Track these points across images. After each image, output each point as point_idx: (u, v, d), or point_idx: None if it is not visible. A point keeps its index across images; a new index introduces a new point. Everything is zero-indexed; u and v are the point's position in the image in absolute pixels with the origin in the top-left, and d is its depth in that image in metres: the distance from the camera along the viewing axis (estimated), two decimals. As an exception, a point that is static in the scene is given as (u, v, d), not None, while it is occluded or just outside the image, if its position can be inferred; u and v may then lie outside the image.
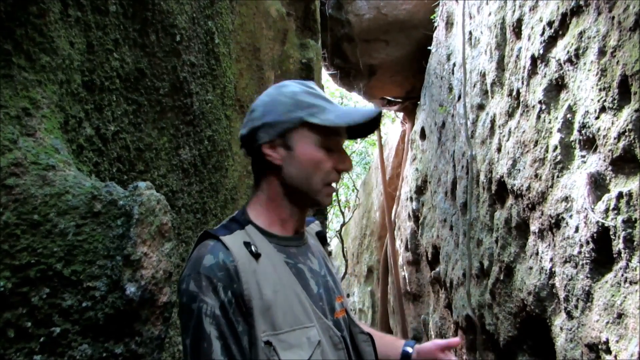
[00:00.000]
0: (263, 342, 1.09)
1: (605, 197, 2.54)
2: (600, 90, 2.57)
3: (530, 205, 3.46)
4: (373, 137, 11.73)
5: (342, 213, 12.14)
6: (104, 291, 1.10)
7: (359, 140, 14.11)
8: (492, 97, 4.33)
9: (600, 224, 2.56)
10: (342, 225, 12.15)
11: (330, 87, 10.87)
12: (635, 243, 2.32)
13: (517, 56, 3.68)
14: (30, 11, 1.18)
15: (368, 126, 1.32)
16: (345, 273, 11.43)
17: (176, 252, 2.16)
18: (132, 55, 1.82)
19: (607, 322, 2.51)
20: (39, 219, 1.09)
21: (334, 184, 1.26)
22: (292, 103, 1.23)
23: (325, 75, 8.41)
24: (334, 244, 14.15)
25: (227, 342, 1.08)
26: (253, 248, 1.17)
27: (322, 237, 1.47)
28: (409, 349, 1.52)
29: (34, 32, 1.19)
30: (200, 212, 2.45)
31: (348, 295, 12.50)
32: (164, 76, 2.07)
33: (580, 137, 2.78)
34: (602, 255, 2.62)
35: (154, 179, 2.03)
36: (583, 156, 2.78)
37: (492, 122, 4.30)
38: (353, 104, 13.06)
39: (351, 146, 13.83)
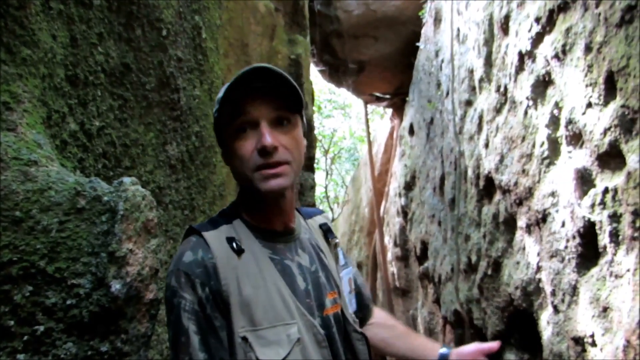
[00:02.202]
0: (240, 337, 1.09)
1: (592, 192, 2.56)
2: (586, 86, 2.58)
3: (517, 201, 3.48)
4: (362, 133, 11.74)
5: (331, 209, 12.14)
6: (89, 288, 1.08)
7: (348, 136, 14.13)
8: (480, 93, 4.35)
9: (586, 218, 2.58)
10: (331, 221, 12.15)
11: (319, 83, 10.86)
12: (620, 237, 2.34)
13: (505, 52, 3.69)
14: (10, 3, 1.15)
15: (279, 84, 1.18)
16: (335, 269, 11.42)
17: (163, 248, 2.14)
18: (117, 50, 1.79)
19: (593, 316, 2.53)
20: (21, 215, 1.07)
21: (265, 168, 1.15)
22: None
23: (314, 71, 8.39)
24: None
25: (206, 336, 1.08)
26: (235, 245, 1.16)
27: (325, 229, 1.45)
28: (446, 350, 1.49)
29: (14, 24, 1.17)
30: (188, 208, 2.43)
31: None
32: (150, 71, 2.05)
33: (567, 133, 2.80)
34: (588, 249, 2.64)
35: (140, 175, 2.01)
36: (569, 152, 2.80)
37: (480, 118, 4.32)
38: (342, 100, 13.07)
39: (340, 142, 13.84)
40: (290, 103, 1.21)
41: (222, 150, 1.27)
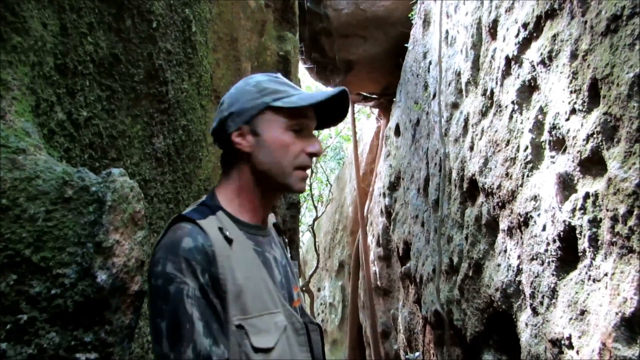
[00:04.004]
0: (235, 325, 1.11)
1: (573, 197, 2.61)
2: (571, 92, 2.62)
3: (500, 204, 3.52)
4: (348, 132, 11.77)
5: (315, 207, 12.15)
6: (74, 278, 1.08)
7: (333, 135, 14.14)
8: (467, 96, 4.39)
9: (567, 223, 2.63)
10: (314, 220, 12.17)
11: (306, 81, 10.86)
12: (599, 242, 2.39)
13: (492, 56, 3.73)
14: (2, -10, 1.14)
15: (337, 111, 1.34)
16: (317, 267, 11.46)
17: (147, 241, 2.14)
18: (107, 40, 1.78)
19: (571, 319, 2.58)
20: (7, 203, 1.06)
21: (306, 170, 1.26)
22: (257, 91, 1.26)
23: (301, 68, 8.38)
24: (306, 238, 14.17)
25: (209, 322, 1.08)
26: (227, 233, 1.18)
27: (277, 228, 1.50)
28: None
29: (6, 10, 1.16)
30: (173, 202, 2.42)
31: (319, 290, 12.54)
32: (139, 63, 2.04)
33: (551, 138, 2.85)
34: (567, 253, 2.69)
35: (126, 167, 2.00)
36: (552, 157, 2.85)
37: (466, 120, 4.36)
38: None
39: (326, 141, 13.84)
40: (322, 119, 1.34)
41: (246, 134, 1.26)
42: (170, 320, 1.07)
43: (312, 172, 12.49)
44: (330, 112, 1.33)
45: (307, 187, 12.18)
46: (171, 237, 1.14)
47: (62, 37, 1.46)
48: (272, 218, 1.47)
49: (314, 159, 1.31)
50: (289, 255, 1.48)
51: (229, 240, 1.17)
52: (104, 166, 1.78)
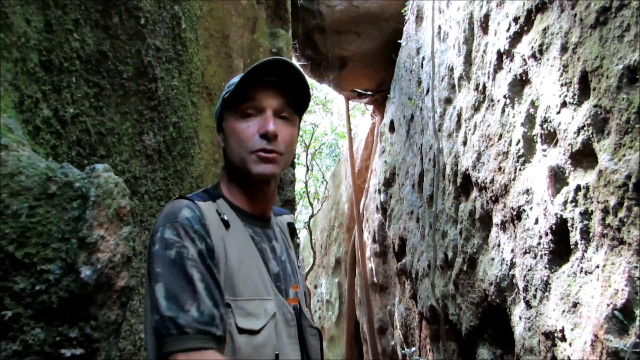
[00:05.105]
0: (224, 303, 1.12)
1: (564, 189, 2.61)
2: (561, 85, 2.63)
3: (493, 198, 3.53)
4: (343, 129, 11.77)
5: (311, 204, 12.15)
6: (59, 274, 1.07)
7: (329, 132, 14.12)
8: (460, 91, 4.39)
9: (558, 216, 2.63)
10: (310, 217, 12.17)
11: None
12: (591, 235, 2.39)
13: (484, 51, 3.73)
14: (-17, -15, 1.13)
15: (298, 87, 1.29)
16: (314, 264, 11.46)
17: (138, 238, 2.13)
18: (94, 37, 1.77)
19: (563, 311, 2.59)
20: (-10, 200, 1.06)
21: (263, 152, 1.21)
22: (224, 90, 1.30)
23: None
24: (302, 235, 14.16)
25: (209, 285, 1.09)
26: (225, 217, 1.20)
27: (292, 229, 1.51)
28: None
29: (-13, 7, 1.15)
30: (164, 199, 2.41)
31: (316, 287, 12.54)
32: (127, 60, 2.03)
33: (542, 132, 2.85)
34: (560, 246, 2.70)
35: (115, 164, 1.99)
36: (544, 150, 2.85)
37: (459, 115, 4.36)
38: (324, 95, 13.06)
39: (321, 138, 13.84)
40: (297, 102, 1.30)
41: (220, 131, 1.31)
42: (171, 282, 1.06)
43: (308, 169, 12.48)
44: (295, 90, 1.29)
45: (303, 185, 12.17)
46: (169, 209, 1.16)
47: (47, 33, 1.45)
48: (288, 218, 1.51)
49: (281, 145, 1.23)
50: (300, 257, 1.49)
51: (226, 223, 1.19)
52: (93, 163, 1.77)
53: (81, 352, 1.09)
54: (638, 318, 2.05)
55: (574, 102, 2.52)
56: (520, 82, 3.18)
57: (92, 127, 1.78)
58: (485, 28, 3.74)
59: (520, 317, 3.16)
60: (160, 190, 2.39)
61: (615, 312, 2.14)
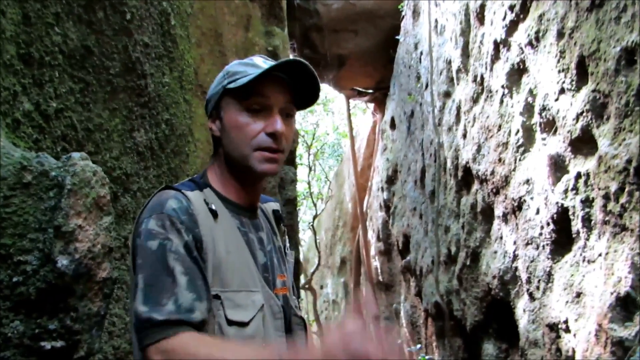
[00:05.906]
0: (213, 294, 1.10)
1: (565, 177, 2.57)
2: (559, 72, 2.58)
3: (494, 190, 3.48)
4: (345, 129, 11.73)
5: (315, 205, 12.11)
6: (36, 265, 1.04)
7: (331, 132, 14.10)
8: (458, 84, 4.35)
9: (559, 204, 2.58)
10: (314, 217, 12.12)
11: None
12: (592, 222, 2.35)
13: (481, 42, 3.69)
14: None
15: (309, 87, 1.29)
16: (319, 265, 11.41)
17: (131, 235, 2.10)
18: (77, 32, 1.74)
19: (567, 302, 2.54)
20: (-36, 192, 1.03)
21: (269, 151, 1.21)
22: (222, 76, 1.26)
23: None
24: (307, 236, 14.13)
25: (193, 278, 1.06)
26: (213, 206, 1.18)
27: (277, 216, 1.48)
28: None
29: (-42, -4, 1.12)
30: (158, 197, 2.38)
31: (322, 287, 12.50)
32: (114, 55, 2.00)
33: (541, 120, 2.80)
34: (561, 236, 2.65)
35: (105, 160, 1.96)
36: (543, 138, 2.81)
37: (458, 108, 4.32)
38: (324, 95, 13.03)
39: (324, 138, 13.81)
40: (300, 99, 1.30)
41: (215, 118, 1.27)
42: (149, 274, 1.04)
43: (310, 169, 12.45)
44: (302, 89, 1.29)
45: (306, 185, 12.14)
46: (155, 200, 1.13)
47: (25, 26, 1.42)
48: (274, 205, 1.48)
49: (283, 144, 1.23)
50: (287, 244, 1.46)
51: (214, 213, 1.17)
52: (80, 159, 1.74)
53: (62, 345, 1.05)
54: (642, 305, 2.01)
55: (572, 88, 2.48)
56: (518, 71, 3.13)
57: (78, 122, 1.75)
58: (481, 18, 3.69)
59: (524, 310, 3.11)
60: (153, 188, 2.36)
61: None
